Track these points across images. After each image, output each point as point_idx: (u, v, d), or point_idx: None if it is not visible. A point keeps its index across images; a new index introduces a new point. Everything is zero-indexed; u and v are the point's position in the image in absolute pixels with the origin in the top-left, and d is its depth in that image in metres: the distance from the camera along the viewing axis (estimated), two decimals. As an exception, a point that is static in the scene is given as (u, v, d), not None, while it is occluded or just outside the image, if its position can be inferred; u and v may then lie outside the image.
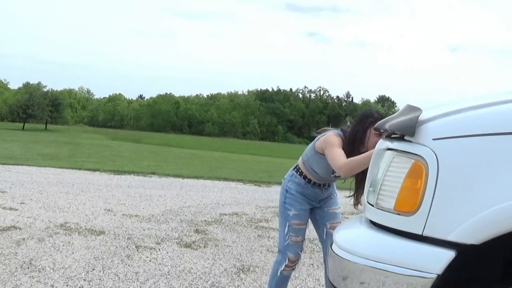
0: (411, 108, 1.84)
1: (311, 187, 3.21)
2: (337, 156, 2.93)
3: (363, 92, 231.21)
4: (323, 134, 3.13)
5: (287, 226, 3.18)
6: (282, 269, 3.21)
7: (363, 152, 2.92)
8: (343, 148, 2.99)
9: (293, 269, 3.29)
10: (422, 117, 1.75)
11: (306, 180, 3.20)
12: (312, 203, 3.26)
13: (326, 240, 3.26)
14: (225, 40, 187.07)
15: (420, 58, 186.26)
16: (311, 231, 6.63)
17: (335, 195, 3.37)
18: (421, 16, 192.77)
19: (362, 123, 3.02)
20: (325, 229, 3.30)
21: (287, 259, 3.19)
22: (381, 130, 2.03)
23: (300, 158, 3.26)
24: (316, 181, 3.21)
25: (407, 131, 1.75)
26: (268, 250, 5.31)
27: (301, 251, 3.25)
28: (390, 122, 1.89)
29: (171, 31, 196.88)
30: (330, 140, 3.02)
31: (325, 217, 3.31)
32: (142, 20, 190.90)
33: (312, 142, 3.20)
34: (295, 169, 3.26)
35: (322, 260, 4.08)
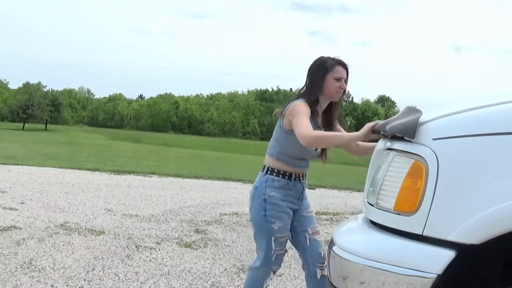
0: (411, 110, 1.84)
1: (293, 185, 2.78)
2: (304, 124, 2.58)
3: (363, 92, 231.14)
4: (286, 107, 2.74)
5: (272, 241, 2.75)
6: (267, 284, 2.83)
7: (324, 103, 2.78)
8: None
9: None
10: (423, 118, 1.76)
11: (286, 177, 2.76)
12: (294, 206, 2.82)
13: (311, 249, 2.85)
14: (225, 39, 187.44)
15: (424, 57, 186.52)
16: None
17: (306, 195, 2.93)
18: (426, 16, 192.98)
19: (320, 70, 2.75)
20: (307, 235, 2.85)
21: (272, 272, 2.84)
22: (382, 133, 2.02)
23: (267, 154, 2.85)
24: (297, 169, 2.79)
25: (407, 133, 1.75)
26: (268, 250, 5.30)
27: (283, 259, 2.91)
28: (391, 124, 1.89)
29: (171, 30, 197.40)
30: (297, 108, 2.67)
31: (304, 221, 2.87)
32: (142, 20, 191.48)
33: (277, 124, 2.83)
34: (268, 171, 2.79)
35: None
